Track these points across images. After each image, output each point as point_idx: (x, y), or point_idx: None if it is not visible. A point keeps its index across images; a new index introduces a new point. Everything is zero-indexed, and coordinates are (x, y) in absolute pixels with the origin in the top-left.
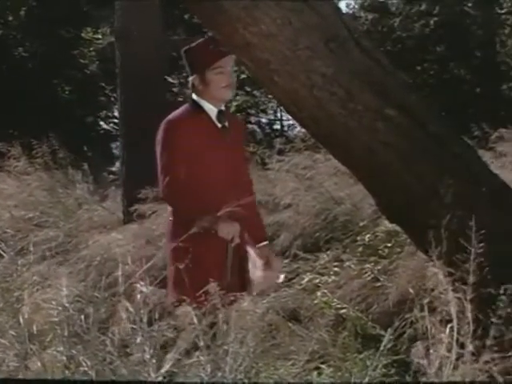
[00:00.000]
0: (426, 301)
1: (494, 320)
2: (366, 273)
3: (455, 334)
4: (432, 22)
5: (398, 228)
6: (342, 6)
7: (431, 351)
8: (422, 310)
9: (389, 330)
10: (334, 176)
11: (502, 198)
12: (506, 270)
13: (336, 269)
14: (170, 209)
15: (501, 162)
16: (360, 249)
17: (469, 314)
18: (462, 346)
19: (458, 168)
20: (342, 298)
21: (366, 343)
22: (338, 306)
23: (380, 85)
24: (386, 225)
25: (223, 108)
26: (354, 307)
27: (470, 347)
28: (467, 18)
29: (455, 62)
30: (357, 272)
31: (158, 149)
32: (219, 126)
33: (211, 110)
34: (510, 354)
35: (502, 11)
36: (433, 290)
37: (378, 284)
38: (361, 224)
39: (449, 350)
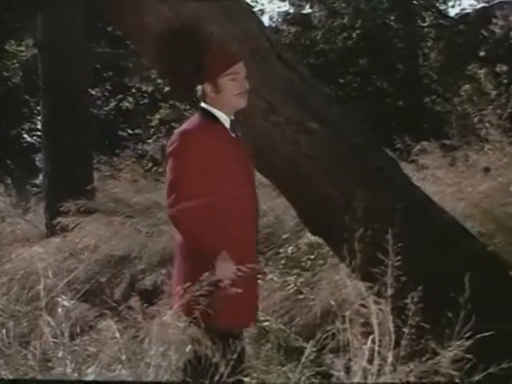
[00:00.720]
0: (347, 313)
1: (405, 329)
2: (288, 285)
3: (376, 345)
4: (354, 34)
5: (320, 240)
6: (265, 19)
7: (352, 363)
8: (343, 322)
9: (311, 342)
10: (256, 189)
11: (424, 210)
12: (428, 282)
13: (259, 281)
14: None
15: (423, 174)
16: (283, 261)
17: (390, 326)
18: (383, 356)
19: (380, 181)
20: (265, 310)
21: (289, 355)
22: (261, 318)
23: (302, 98)
24: (309, 237)
25: (233, 117)
26: (277, 320)
27: (390, 358)
28: (389, 31)
29: (378, 75)
30: (280, 284)
31: (171, 161)
32: (233, 136)
33: (224, 119)
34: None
35: (424, 24)
36: (354, 302)
37: (301, 296)
38: (283, 236)
39: (370, 362)
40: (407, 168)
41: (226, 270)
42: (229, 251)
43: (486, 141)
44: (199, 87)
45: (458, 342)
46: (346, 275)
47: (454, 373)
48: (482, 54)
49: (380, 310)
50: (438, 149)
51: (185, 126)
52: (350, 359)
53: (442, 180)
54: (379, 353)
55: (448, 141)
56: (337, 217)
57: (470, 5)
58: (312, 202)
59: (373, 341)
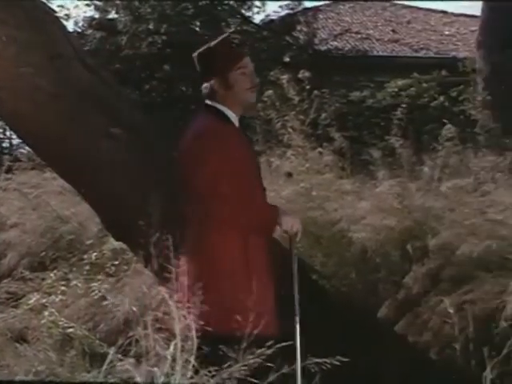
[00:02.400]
0: (149, 318)
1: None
2: (93, 291)
3: (179, 351)
4: (160, 40)
5: (124, 246)
6: (70, 24)
7: (155, 368)
8: (145, 327)
9: (112, 348)
10: (60, 195)
11: None
12: None
13: (63, 288)
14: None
15: None
16: (87, 267)
17: (193, 331)
18: (185, 362)
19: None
20: (70, 317)
21: (94, 362)
22: (66, 325)
23: (105, 103)
24: (113, 243)
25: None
26: (82, 326)
27: (192, 363)
28: (195, 37)
29: (183, 81)
30: (84, 291)
31: (194, 162)
32: (244, 135)
33: (234, 117)
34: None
35: (230, 30)
36: (158, 307)
37: (106, 302)
38: (87, 242)
39: (173, 367)
40: None
41: (291, 221)
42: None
43: (288, 146)
44: (206, 85)
45: (260, 350)
46: (149, 281)
47: (254, 380)
48: (286, 59)
49: (183, 315)
50: None
51: (200, 126)
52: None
53: None
54: (187, 358)
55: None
56: (137, 222)
57: (275, 11)
58: (114, 207)
59: (175, 346)
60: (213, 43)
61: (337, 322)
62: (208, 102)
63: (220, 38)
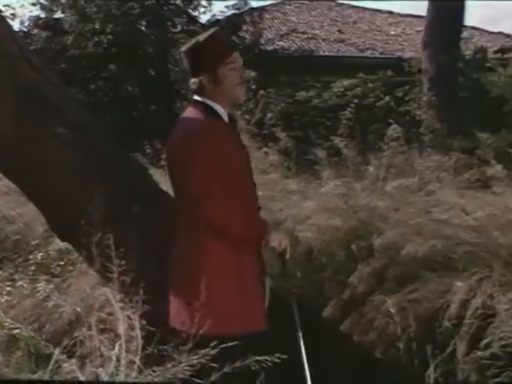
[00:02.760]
0: (93, 319)
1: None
2: (38, 292)
3: (124, 351)
4: (106, 40)
5: (69, 246)
6: (16, 23)
7: (101, 369)
8: (89, 328)
9: (57, 348)
10: (5, 195)
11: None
12: None
13: (9, 288)
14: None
15: None
16: (32, 268)
17: (138, 332)
18: (129, 362)
19: (128, 186)
20: (15, 317)
21: (40, 363)
22: (11, 326)
23: (51, 103)
24: (58, 243)
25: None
26: (27, 327)
27: (137, 363)
28: (141, 36)
29: (129, 80)
30: (29, 291)
31: (185, 161)
32: (233, 130)
33: (223, 113)
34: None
35: (176, 30)
36: (102, 308)
37: (52, 303)
38: (33, 243)
39: (117, 368)
40: (156, 173)
41: (279, 238)
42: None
43: None
44: (194, 80)
45: (204, 351)
46: (94, 281)
47: (198, 381)
48: None
49: (127, 316)
50: None
51: (189, 122)
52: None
53: None
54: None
55: None
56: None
57: (221, 11)
58: (60, 207)
59: (120, 347)
60: (202, 38)
61: (283, 321)
62: (196, 97)
63: (209, 33)
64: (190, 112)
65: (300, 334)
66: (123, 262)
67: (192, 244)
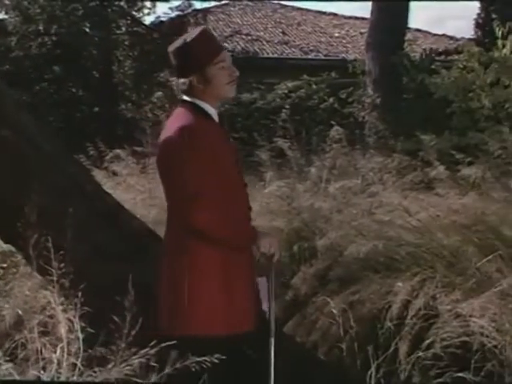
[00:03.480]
0: (35, 322)
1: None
2: None
3: (66, 354)
4: (49, 41)
5: (13, 248)
6: None
7: (42, 372)
8: (31, 331)
9: None
10: None
11: (115, 217)
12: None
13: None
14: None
15: (115, 181)
16: None
17: (79, 334)
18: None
19: (71, 188)
20: None
21: None
22: None
23: None
24: (1, 245)
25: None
26: None
27: (78, 365)
28: (85, 38)
29: (73, 82)
30: None
31: (173, 162)
32: (222, 129)
33: (213, 112)
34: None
35: (120, 31)
36: (44, 310)
37: None
38: None
39: (58, 371)
40: (99, 175)
41: (269, 243)
42: None
43: None
44: (183, 80)
45: (144, 350)
46: (38, 284)
47: (139, 380)
48: None
49: (68, 318)
50: (130, 156)
51: (179, 122)
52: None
53: (134, 187)
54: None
55: (140, 148)
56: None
57: (165, 13)
58: (1, 210)
59: (62, 349)
60: (189, 38)
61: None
62: (185, 97)
63: (196, 33)
64: (179, 112)
65: (272, 340)
66: (62, 265)
67: (178, 243)
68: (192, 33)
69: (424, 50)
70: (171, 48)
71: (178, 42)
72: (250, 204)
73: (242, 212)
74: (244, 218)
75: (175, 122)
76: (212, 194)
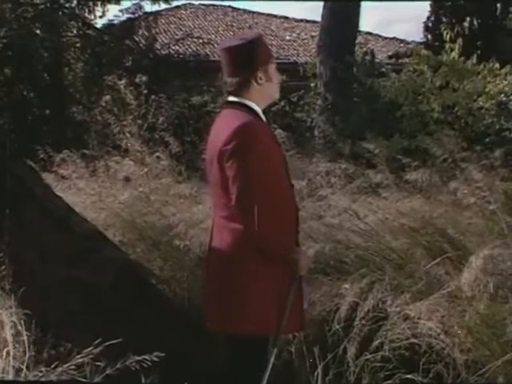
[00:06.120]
0: None
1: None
2: None
3: (11, 358)
4: (0, 43)
5: None
6: None
7: None
8: None
9: None
10: None
11: (65, 220)
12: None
13: None
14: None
15: (64, 184)
16: None
17: (24, 337)
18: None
19: (20, 191)
20: None
21: None
22: None
23: None
24: None
25: None
26: None
27: (24, 367)
28: (35, 40)
29: (23, 84)
30: None
31: (238, 161)
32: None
33: (260, 112)
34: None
35: (71, 34)
36: None
37: None
38: None
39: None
40: (49, 178)
41: (306, 264)
42: None
43: (126, 151)
44: (235, 80)
45: (87, 350)
46: None
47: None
48: (127, 64)
49: (13, 322)
50: (80, 159)
51: (238, 120)
52: None
53: (84, 190)
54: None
55: (89, 151)
56: None
57: (116, 16)
58: None
59: (7, 353)
60: (249, 37)
61: (174, 324)
62: (232, 98)
63: (255, 34)
64: (229, 112)
65: (275, 350)
66: (3, 268)
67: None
68: (247, 34)
69: (371, 51)
70: (226, 45)
71: (235, 41)
72: (297, 205)
73: (291, 218)
74: (292, 232)
75: (234, 120)
76: (266, 203)
